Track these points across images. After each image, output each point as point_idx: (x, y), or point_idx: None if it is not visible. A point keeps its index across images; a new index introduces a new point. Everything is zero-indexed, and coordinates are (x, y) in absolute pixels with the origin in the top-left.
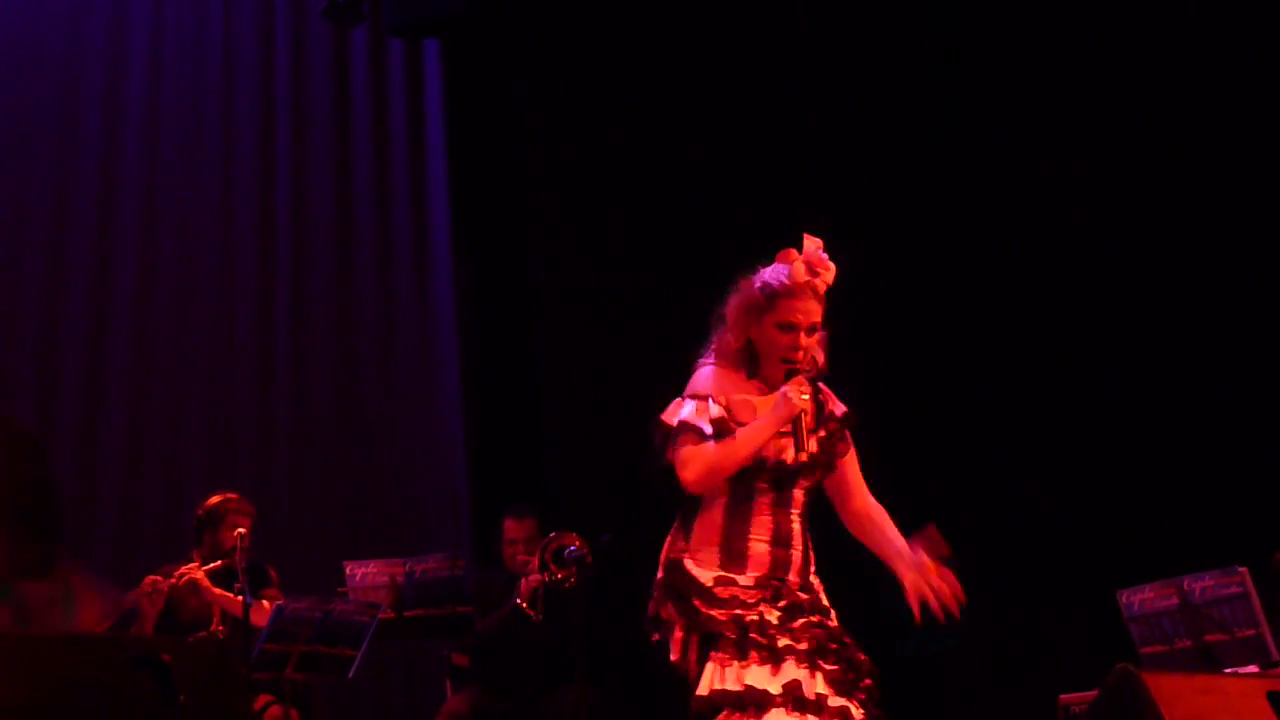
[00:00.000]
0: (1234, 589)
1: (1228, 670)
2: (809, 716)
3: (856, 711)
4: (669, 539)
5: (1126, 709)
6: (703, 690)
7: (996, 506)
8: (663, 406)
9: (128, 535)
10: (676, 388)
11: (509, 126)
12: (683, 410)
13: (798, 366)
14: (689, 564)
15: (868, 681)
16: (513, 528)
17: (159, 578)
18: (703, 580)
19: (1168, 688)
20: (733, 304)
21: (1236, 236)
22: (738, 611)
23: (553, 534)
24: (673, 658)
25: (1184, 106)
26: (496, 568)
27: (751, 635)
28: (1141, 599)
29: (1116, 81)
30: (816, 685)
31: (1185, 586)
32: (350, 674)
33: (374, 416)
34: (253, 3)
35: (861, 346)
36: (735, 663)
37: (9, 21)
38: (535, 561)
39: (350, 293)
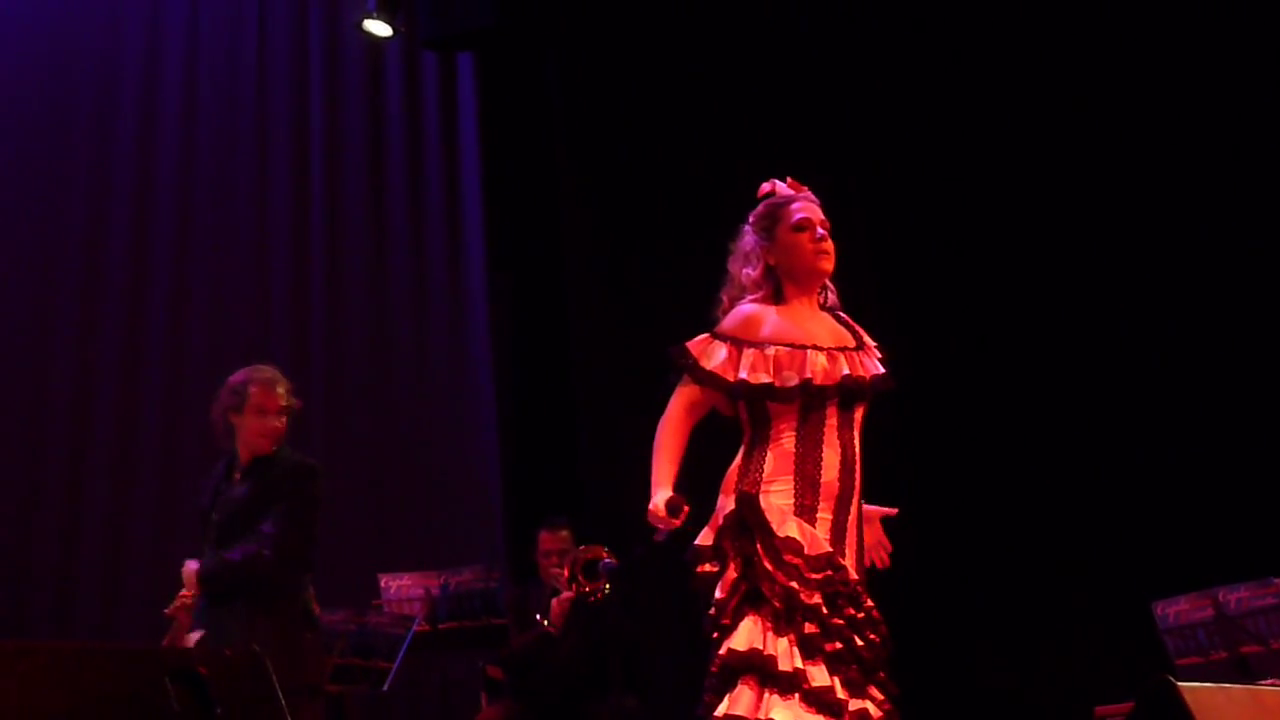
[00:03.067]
0: (1270, 600)
1: (1264, 682)
2: (828, 718)
3: (874, 710)
4: (735, 470)
5: None
6: (739, 645)
7: (1032, 517)
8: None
9: (162, 545)
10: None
11: (542, 137)
12: (715, 355)
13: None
14: (763, 500)
15: (882, 675)
16: (548, 539)
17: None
18: (775, 527)
19: (1204, 700)
20: (742, 244)
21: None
22: (794, 585)
23: (582, 547)
24: (718, 594)
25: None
26: (533, 581)
27: (797, 617)
28: (1176, 610)
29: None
30: (838, 690)
31: (1220, 598)
32: (385, 686)
33: (409, 429)
34: (286, 17)
35: (897, 350)
36: (772, 633)
37: (48, 32)
38: (565, 575)
39: (385, 305)
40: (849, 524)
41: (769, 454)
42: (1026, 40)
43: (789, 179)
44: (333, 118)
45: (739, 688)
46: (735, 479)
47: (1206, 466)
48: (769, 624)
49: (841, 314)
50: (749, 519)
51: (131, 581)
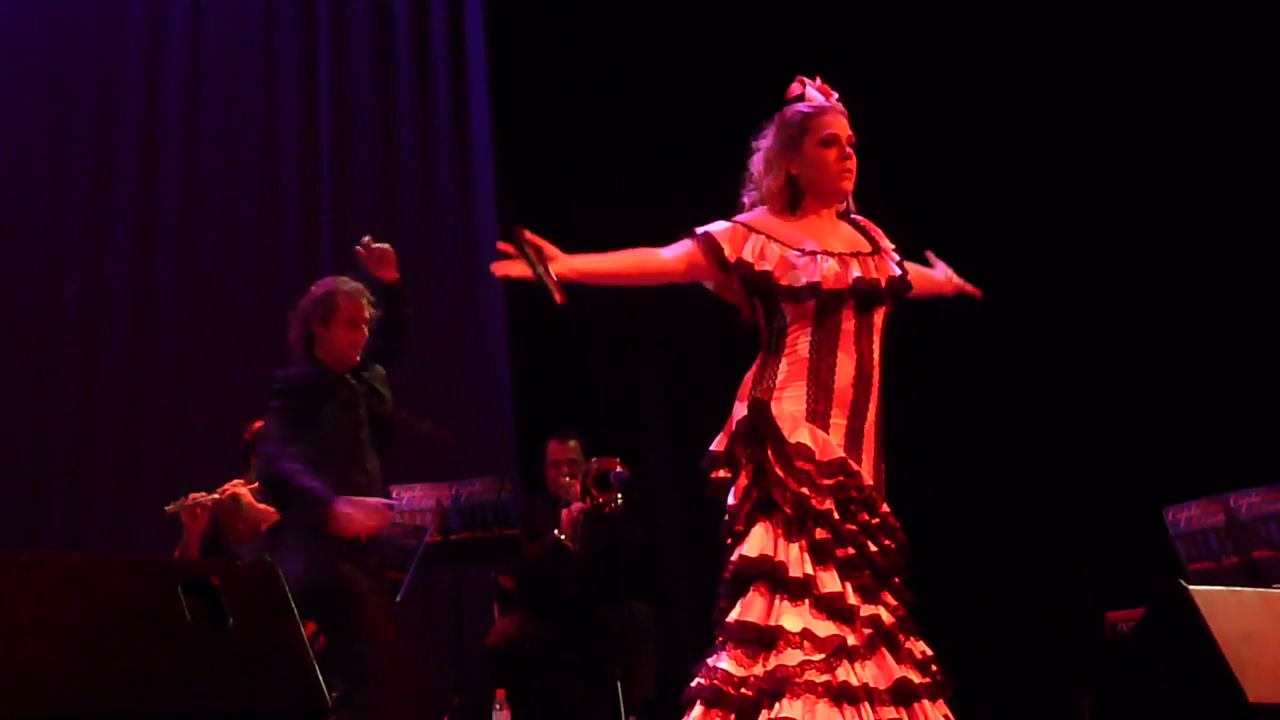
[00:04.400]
0: None
1: (1276, 586)
2: (839, 624)
3: (887, 616)
4: (751, 377)
5: (1174, 625)
6: (750, 551)
7: (1043, 424)
8: (706, 334)
9: (177, 465)
10: (722, 312)
11: (550, 54)
12: (723, 232)
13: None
14: (775, 408)
15: (896, 580)
16: (556, 449)
17: (201, 494)
18: (786, 434)
19: (1216, 603)
20: (766, 146)
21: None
22: (805, 490)
23: (594, 459)
24: (731, 500)
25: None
26: (541, 492)
27: (808, 523)
28: (1188, 516)
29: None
30: (849, 596)
31: (1232, 503)
32: (398, 597)
33: (418, 342)
34: None
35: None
36: (783, 539)
37: None
38: (577, 487)
39: (394, 220)
40: (865, 430)
41: (783, 360)
42: None
43: (819, 81)
44: (340, 38)
45: (750, 594)
46: (750, 386)
47: (1218, 371)
48: (780, 530)
49: (858, 218)
50: (760, 426)
51: (143, 491)
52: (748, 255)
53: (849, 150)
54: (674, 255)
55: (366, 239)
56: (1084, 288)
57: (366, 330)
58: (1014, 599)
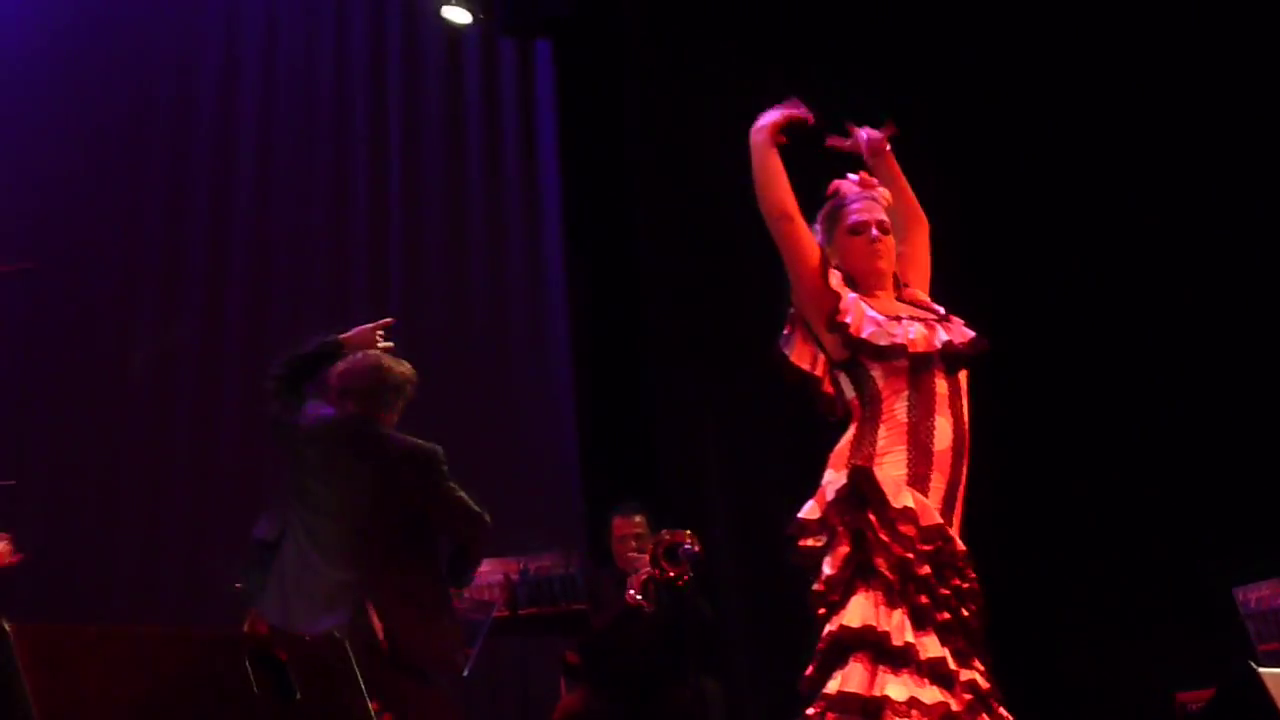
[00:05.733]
0: None
1: None
2: (942, 689)
3: (982, 682)
4: (848, 444)
5: (1245, 707)
6: (852, 621)
7: (1114, 503)
8: (774, 402)
9: (247, 537)
10: (787, 389)
11: (618, 123)
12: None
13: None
14: (879, 473)
15: (986, 656)
16: (622, 525)
17: None
18: (890, 499)
19: None
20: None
21: None
22: (909, 556)
23: (665, 532)
24: (828, 570)
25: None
26: (608, 566)
27: (910, 587)
28: (1259, 596)
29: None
30: (950, 661)
31: None
32: (465, 672)
33: (487, 416)
34: (364, 5)
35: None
36: (885, 607)
37: (128, 28)
38: (646, 559)
39: (463, 292)
40: (958, 494)
41: (881, 426)
42: None
43: (861, 174)
44: (411, 106)
45: (850, 664)
46: (848, 453)
47: None
48: (881, 598)
49: (911, 293)
50: (865, 491)
51: (212, 563)
52: (846, 316)
53: (876, 233)
54: (810, 243)
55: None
56: (1154, 365)
57: None
58: (1084, 678)
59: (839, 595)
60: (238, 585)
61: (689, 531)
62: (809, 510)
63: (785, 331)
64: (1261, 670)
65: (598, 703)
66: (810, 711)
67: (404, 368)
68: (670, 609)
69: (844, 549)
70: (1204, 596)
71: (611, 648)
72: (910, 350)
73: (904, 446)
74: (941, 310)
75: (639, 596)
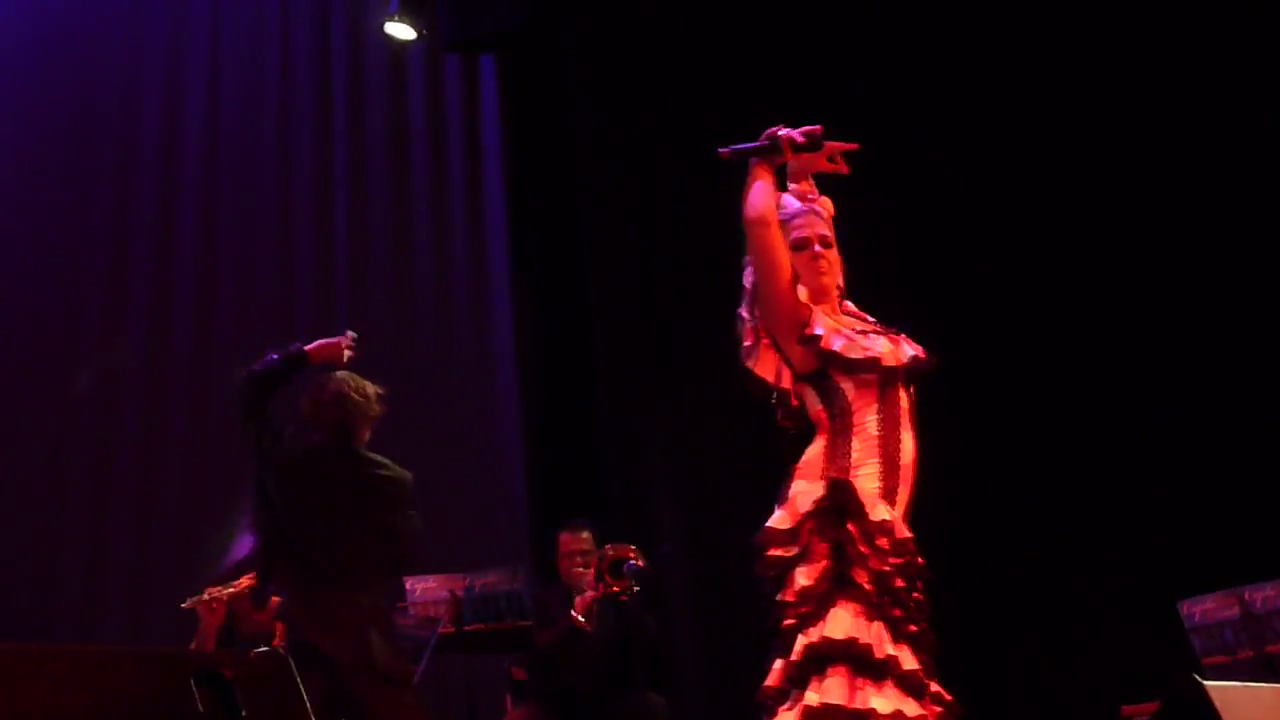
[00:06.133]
0: None
1: None
2: (919, 702)
3: (945, 693)
4: (821, 455)
5: None
6: (835, 633)
7: (1057, 516)
8: (721, 418)
9: (192, 556)
10: (736, 397)
11: (563, 136)
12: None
13: (826, 279)
14: (857, 485)
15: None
16: (569, 541)
17: (217, 587)
18: (870, 512)
19: (1231, 699)
20: None
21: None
22: (886, 569)
23: (609, 547)
24: (803, 580)
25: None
26: (555, 582)
27: (885, 599)
28: (1203, 609)
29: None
30: (923, 673)
31: (1247, 597)
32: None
33: (432, 432)
34: (308, 21)
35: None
36: (864, 619)
37: (72, 34)
38: (591, 574)
39: (409, 307)
40: (911, 506)
41: (854, 439)
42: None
43: (801, 184)
44: (356, 121)
45: (829, 676)
46: (821, 465)
47: (1233, 465)
48: (861, 610)
49: (862, 314)
50: (845, 503)
51: (157, 583)
52: (817, 329)
53: (819, 249)
54: (785, 254)
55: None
56: (1096, 376)
57: None
58: (1030, 691)
59: (812, 607)
60: (183, 604)
61: (633, 547)
62: (779, 520)
63: (747, 343)
64: (1206, 684)
65: (544, 718)
66: None
67: (370, 388)
68: (615, 624)
69: (823, 561)
70: (1149, 610)
71: (557, 664)
72: (881, 364)
73: (876, 460)
74: (875, 322)
75: (581, 618)
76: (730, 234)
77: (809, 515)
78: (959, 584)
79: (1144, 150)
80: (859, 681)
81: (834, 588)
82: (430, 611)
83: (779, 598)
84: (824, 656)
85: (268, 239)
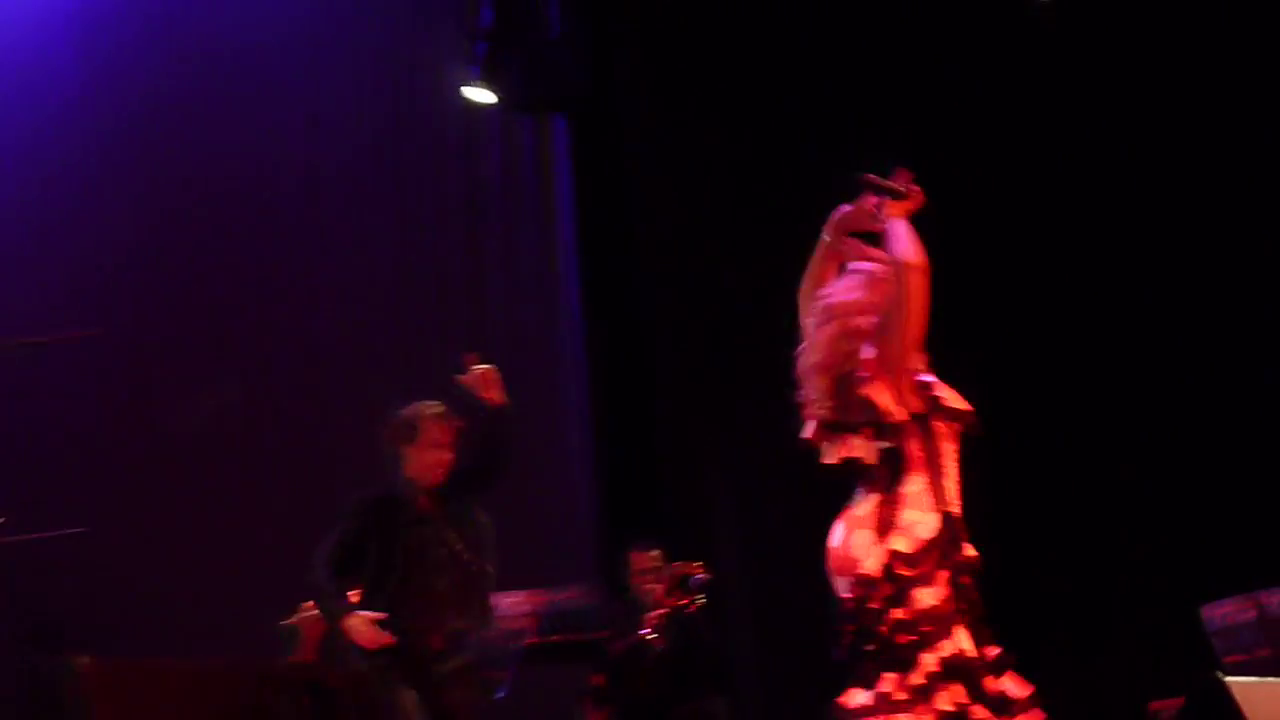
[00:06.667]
0: None
1: None
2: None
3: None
4: (927, 494)
5: (1212, 714)
6: (967, 649)
7: (1088, 531)
8: (769, 445)
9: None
10: (783, 425)
11: (625, 187)
12: None
13: None
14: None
15: None
16: (639, 559)
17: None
18: (966, 548)
19: (1250, 694)
20: None
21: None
22: (975, 599)
23: (676, 565)
24: (932, 602)
25: None
26: (625, 597)
27: (976, 626)
28: (1223, 613)
29: None
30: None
31: (1262, 600)
32: (500, 694)
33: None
34: (396, 84)
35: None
36: (971, 641)
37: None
38: (661, 590)
39: (484, 346)
40: None
41: (944, 480)
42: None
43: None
44: (439, 174)
45: (954, 687)
46: (930, 500)
47: (1250, 481)
48: (969, 633)
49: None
50: (959, 536)
51: (261, 598)
52: (926, 375)
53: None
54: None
55: (470, 360)
56: (1122, 389)
57: (451, 451)
58: (1061, 689)
59: (936, 627)
60: (284, 622)
61: (699, 564)
62: (904, 545)
63: (864, 374)
64: (1228, 679)
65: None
66: None
67: (433, 408)
68: (680, 635)
69: (946, 587)
70: (1173, 615)
71: (629, 672)
72: (970, 418)
73: (959, 499)
74: None
75: (652, 632)
76: (773, 275)
77: (931, 543)
78: (997, 587)
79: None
80: (971, 697)
81: (956, 610)
82: (516, 625)
83: (893, 616)
84: (957, 669)
85: (359, 282)
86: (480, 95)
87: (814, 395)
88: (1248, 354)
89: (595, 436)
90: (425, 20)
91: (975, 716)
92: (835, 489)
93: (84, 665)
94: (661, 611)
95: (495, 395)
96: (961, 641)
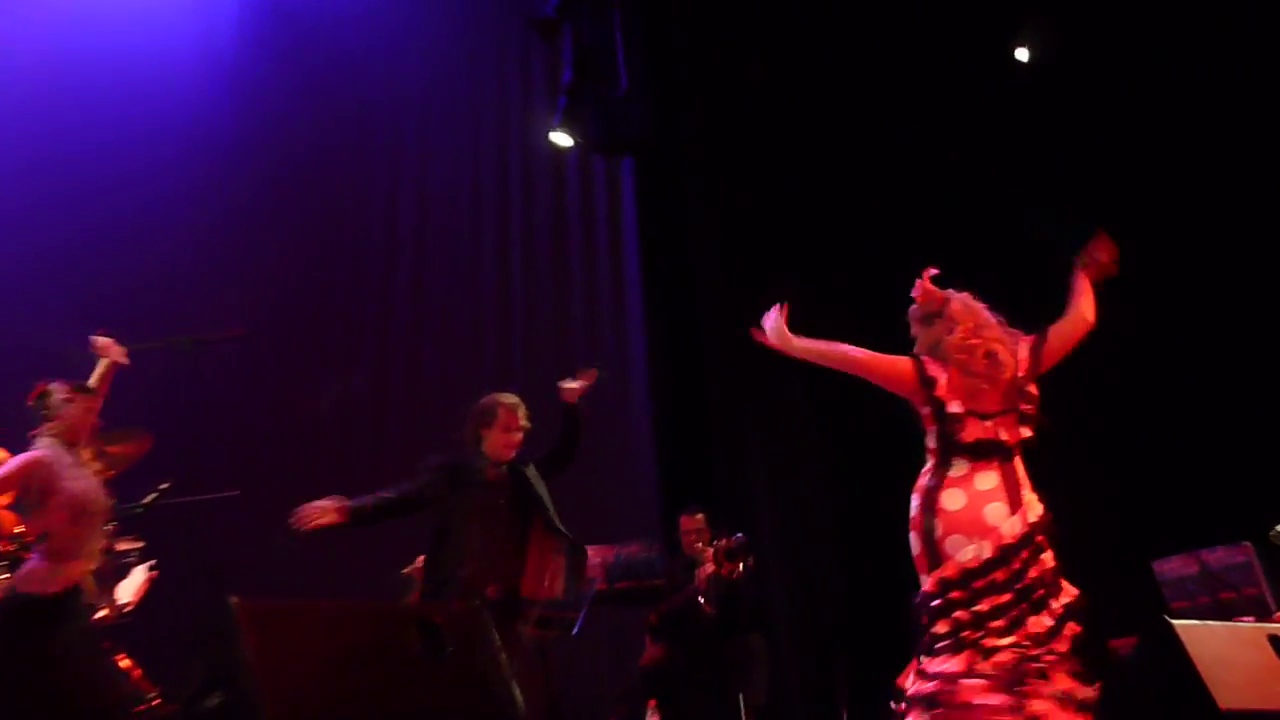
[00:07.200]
0: (1241, 558)
1: (1238, 619)
2: None
3: None
4: (1023, 479)
5: (1162, 651)
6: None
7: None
8: (801, 438)
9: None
10: (813, 420)
11: (684, 219)
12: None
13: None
14: None
15: None
16: (687, 521)
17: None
18: None
19: (1193, 634)
20: None
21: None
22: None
23: (723, 540)
24: (1052, 564)
25: None
26: (678, 552)
27: None
28: (1170, 568)
29: None
30: None
31: (1203, 557)
32: (575, 631)
33: (591, 446)
34: (492, 135)
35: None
36: None
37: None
38: (709, 552)
39: (568, 352)
40: None
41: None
42: None
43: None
44: (528, 207)
45: (1067, 630)
46: (1030, 486)
47: (1191, 456)
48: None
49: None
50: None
51: (383, 552)
52: None
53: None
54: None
55: (585, 373)
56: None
57: (521, 435)
58: None
59: (1054, 579)
60: (404, 571)
61: (740, 535)
62: (1037, 516)
63: (1022, 374)
64: (1174, 622)
65: (674, 653)
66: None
67: (510, 398)
68: (727, 589)
69: (1051, 560)
70: (1129, 569)
71: (682, 615)
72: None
73: None
74: None
75: (701, 589)
76: (804, 294)
77: (1047, 514)
78: None
79: None
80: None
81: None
82: (589, 574)
83: (1031, 573)
84: (1073, 610)
85: (463, 299)
86: (562, 140)
87: (969, 385)
88: (1201, 325)
89: (656, 426)
90: (521, 80)
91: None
92: (849, 471)
93: (237, 603)
94: (709, 573)
95: (570, 396)
96: (1070, 589)
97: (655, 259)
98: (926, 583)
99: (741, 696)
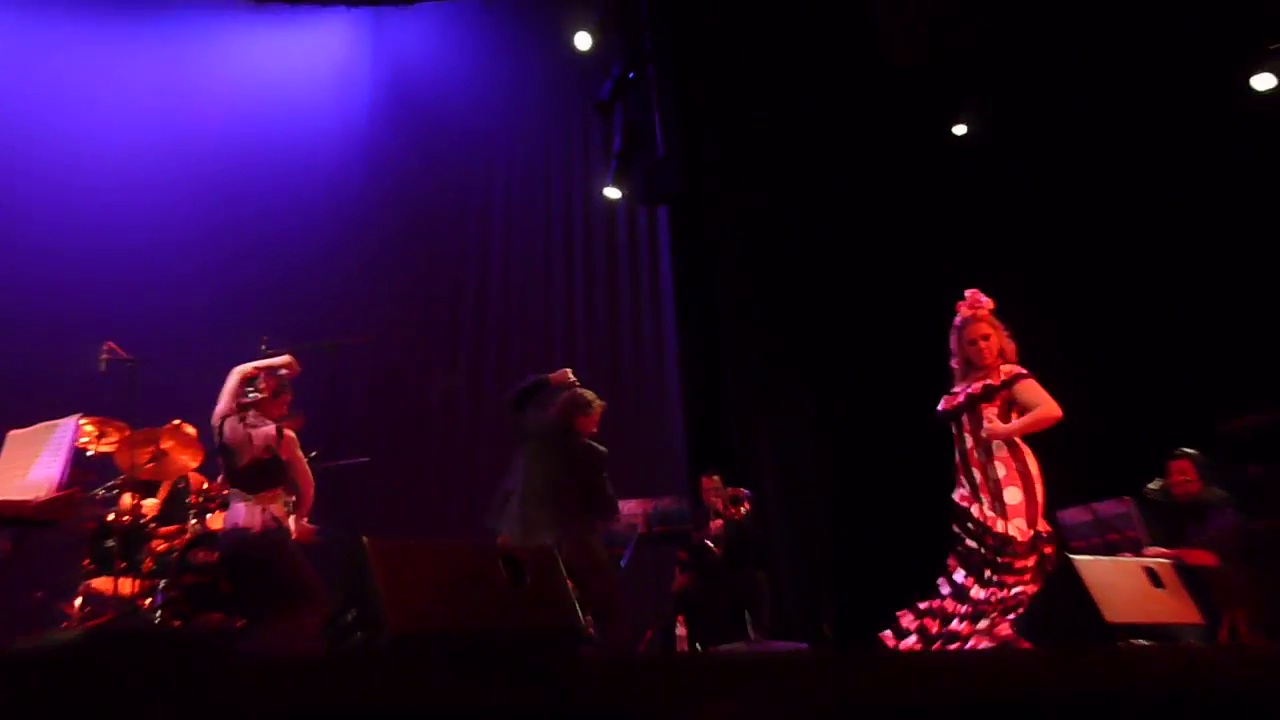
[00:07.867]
0: (1123, 509)
1: (1120, 555)
2: None
3: None
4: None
5: (1064, 579)
6: None
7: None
8: (802, 420)
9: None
10: (804, 415)
11: (709, 259)
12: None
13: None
14: None
15: None
16: (707, 481)
17: None
18: None
19: (1087, 566)
20: None
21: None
22: None
23: (728, 490)
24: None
25: None
26: (701, 505)
27: None
28: (1070, 516)
29: None
30: None
31: (1095, 508)
32: (622, 564)
33: (634, 431)
34: (562, 186)
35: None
36: None
37: (430, 202)
38: (720, 504)
39: (617, 358)
40: None
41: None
42: None
43: (972, 294)
44: (589, 249)
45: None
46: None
47: (1088, 431)
48: None
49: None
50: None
51: (475, 511)
52: None
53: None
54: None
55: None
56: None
57: (597, 426)
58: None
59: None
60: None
61: (744, 489)
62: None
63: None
64: (1073, 558)
65: (697, 582)
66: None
67: (590, 395)
68: (735, 534)
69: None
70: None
71: (702, 554)
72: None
73: None
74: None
75: (715, 535)
76: (805, 319)
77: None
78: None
79: None
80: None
81: None
82: (632, 520)
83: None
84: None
85: (537, 316)
86: (613, 194)
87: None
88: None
89: (686, 411)
90: (582, 149)
91: None
92: (838, 442)
93: (367, 541)
94: (719, 521)
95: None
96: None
97: (685, 287)
98: (1014, 528)
99: (748, 616)
